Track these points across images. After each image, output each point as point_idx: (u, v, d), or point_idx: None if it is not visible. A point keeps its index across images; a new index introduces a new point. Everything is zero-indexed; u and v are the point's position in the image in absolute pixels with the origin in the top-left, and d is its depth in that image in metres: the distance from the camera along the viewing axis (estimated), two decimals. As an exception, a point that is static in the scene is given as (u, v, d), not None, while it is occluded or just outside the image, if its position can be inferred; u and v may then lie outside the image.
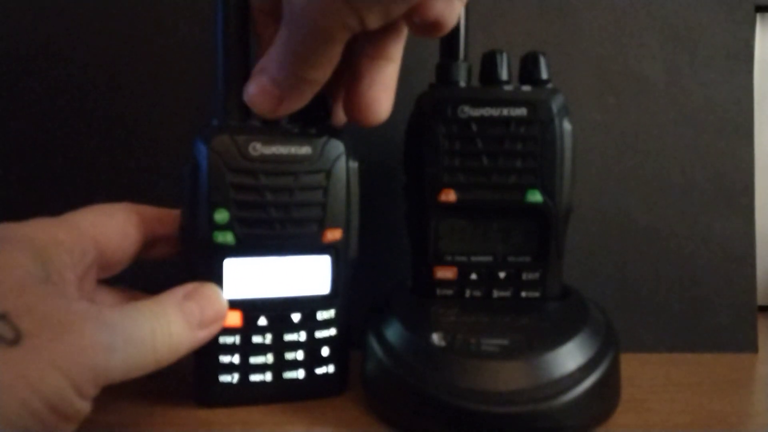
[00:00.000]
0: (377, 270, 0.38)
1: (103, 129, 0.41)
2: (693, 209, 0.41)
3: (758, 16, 0.44)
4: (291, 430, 0.30)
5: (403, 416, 0.29)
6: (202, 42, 0.40)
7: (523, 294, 0.35)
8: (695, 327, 0.41)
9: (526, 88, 0.33)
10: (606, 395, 0.30)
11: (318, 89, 0.27)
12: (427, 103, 0.34)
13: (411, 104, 0.34)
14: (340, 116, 0.32)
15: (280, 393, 0.32)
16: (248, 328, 0.31)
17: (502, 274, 0.35)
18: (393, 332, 0.31)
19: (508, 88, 0.33)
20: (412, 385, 0.29)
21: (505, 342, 0.29)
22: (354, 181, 0.31)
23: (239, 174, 0.29)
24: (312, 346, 0.32)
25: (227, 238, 0.29)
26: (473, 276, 0.35)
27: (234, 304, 0.30)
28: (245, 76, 0.29)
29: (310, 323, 0.32)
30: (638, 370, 0.36)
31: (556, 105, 0.33)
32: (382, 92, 0.30)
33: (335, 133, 0.31)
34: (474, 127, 0.33)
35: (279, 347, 0.31)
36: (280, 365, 0.31)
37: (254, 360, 0.31)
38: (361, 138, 0.32)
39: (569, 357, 0.29)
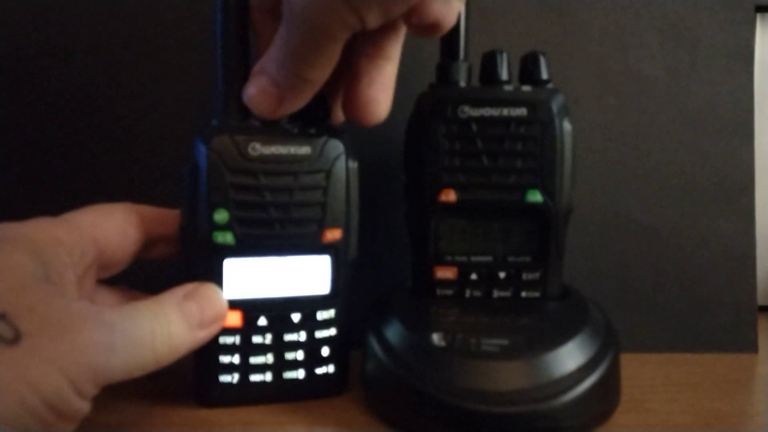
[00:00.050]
0: (377, 270, 0.38)
1: (103, 129, 0.41)
2: (693, 209, 0.41)
3: (758, 16, 0.44)
4: (291, 430, 0.30)
5: (403, 416, 0.29)
6: (202, 42, 0.40)
7: (523, 294, 0.35)
8: (695, 327, 0.41)
9: (526, 88, 0.33)
10: (606, 395, 0.30)
11: (317, 89, 0.27)
12: (427, 103, 0.34)
13: (411, 104, 0.34)
14: (338, 115, 0.32)
15: (280, 393, 0.32)
16: (248, 328, 0.31)
17: (502, 274, 0.35)
18: (393, 332, 0.31)
19: (508, 88, 0.33)
20: (412, 385, 0.29)
21: (505, 342, 0.29)
22: (354, 181, 0.31)
23: (239, 174, 0.29)
24: (312, 346, 0.32)
25: (227, 238, 0.29)
26: (473, 276, 0.35)
27: (234, 304, 0.30)
28: (245, 76, 0.29)
29: (310, 323, 0.32)
30: (638, 370, 0.36)
31: (556, 105, 0.33)
32: (381, 91, 0.30)
33: (335, 133, 0.31)
34: (474, 127, 0.33)
35: (279, 347, 0.31)
36: (280, 365, 0.31)
37: (254, 360, 0.31)
38: (361, 138, 0.32)
39: (569, 357, 0.29)
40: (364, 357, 0.32)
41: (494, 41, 0.40)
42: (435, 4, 0.25)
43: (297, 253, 0.31)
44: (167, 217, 0.32)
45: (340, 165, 0.31)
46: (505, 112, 0.33)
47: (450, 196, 0.34)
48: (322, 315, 0.32)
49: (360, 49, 0.30)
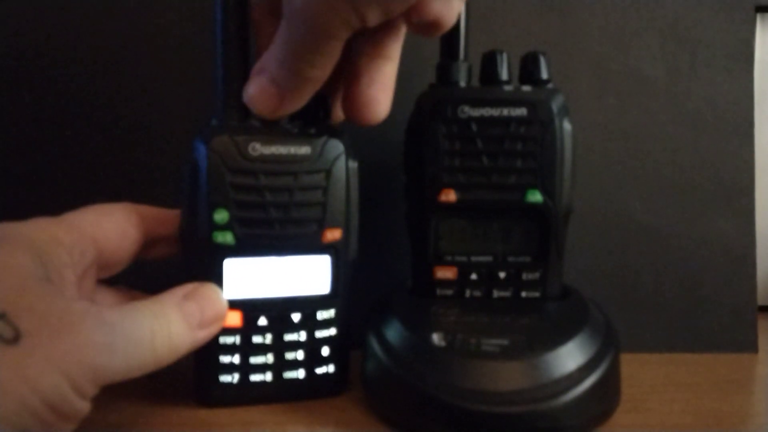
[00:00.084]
0: (377, 270, 0.38)
1: (103, 129, 0.41)
2: (693, 209, 0.41)
3: (758, 16, 0.44)
4: (291, 429, 0.30)
5: (403, 416, 0.29)
6: (202, 42, 0.40)
7: (523, 294, 0.35)
8: (695, 327, 0.41)
9: (526, 88, 0.33)
10: (606, 395, 0.30)
11: (318, 88, 0.27)
12: (427, 103, 0.34)
13: (411, 104, 0.34)
14: (338, 114, 0.32)
15: (280, 393, 0.32)
16: (248, 328, 0.31)
17: (502, 274, 0.35)
18: (393, 332, 0.31)
19: (508, 88, 0.33)
20: (412, 385, 0.29)
21: (505, 342, 0.29)
22: (354, 181, 0.31)
23: (239, 174, 0.29)
24: (312, 346, 0.32)
25: (227, 238, 0.29)
26: (473, 276, 0.35)
27: (234, 304, 0.30)
28: (245, 76, 0.29)
29: (310, 323, 0.32)
30: (638, 370, 0.36)
31: (556, 105, 0.33)
32: (380, 91, 0.30)
33: (335, 133, 0.31)
34: (474, 127, 0.33)
35: (279, 347, 0.31)
36: (280, 365, 0.31)
37: (254, 360, 0.31)
38: (361, 138, 0.32)
39: (569, 357, 0.29)
40: (364, 357, 0.32)
41: (494, 41, 0.39)
42: (435, 2, 0.25)
43: (297, 253, 0.31)
44: (167, 217, 0.32)
45: (340, 165, 0.31)
46: (505, 112, 0.33)
47: (450, 196, 0.34)
48: (322, 315, 0.32)
49: (360, 49, 0.30)
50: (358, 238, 0.32)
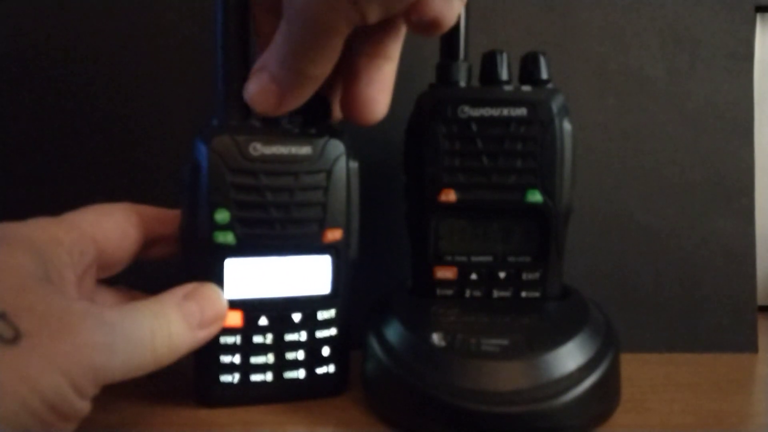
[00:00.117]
0: (377, 270, 0.38)
1: (103, 129, 0.41)
2: (693, 209, 0.41)
3: (758, 16, 0.44)
4: (291, 429, 0.30)
5: (403, 416, 0.29)
6: (202, 42, 0.40)
7: (523, 294, 0.35)
8: (695, 327, 0.41)
9: (526, 88, 0.33)
10: (606, 395, 0.30)
11: (318, 86, 0.27)
12: (427, 103, 0.34)
13: (411, 104, 0.34)
14: (336, 114, 0.32)
15: (280, 393, 0.32)
16: (249, 328, 0.31)
17: (502, 274, 0.35)
18: (393, 332, 0.31)
19: (508, 88, 0.33)
20: (412, 385, 0.29)
21: (505, 342, 0.29)
22: (354, 181, 0.31)
23: (239, 174, 0.29)
24: (312, 346, 0.32)
25: (228, 238, 0.29)
26: (473, 276, 0.35)
27: (234, 304, 0.30)
28: (245, 76, 0.29)
29: (310, 323, 0.32)
30: (638, 370, 0.36)
31: (556, 105, 0.33)
32: (379, 91, 0.30)
33: (335, 133, 0.31)
34: (474, 127, 0.33)
35: (279, 347, 0.31)
36: (280, 365, 0.31)
37: (255, 360, 0.31)
38: (361, 138, 0.32)
39: (569, 357, 0.29)
40: (364, 357, 0.32)
41: (494, 41, 0.40)
42: (435, 1, 0.25)
43: (298, 253, 0.31)
44: (167, 217, 0.32)
45: (341, 165, 0.31)
46: (505, 112, 0.33)
47: (450, 196, 0.34)
48: (322, 315, 0.32)
49: (360, 48, 0.30)
50: (359, 238, 0.32)
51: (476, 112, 0.33)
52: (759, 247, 0.41)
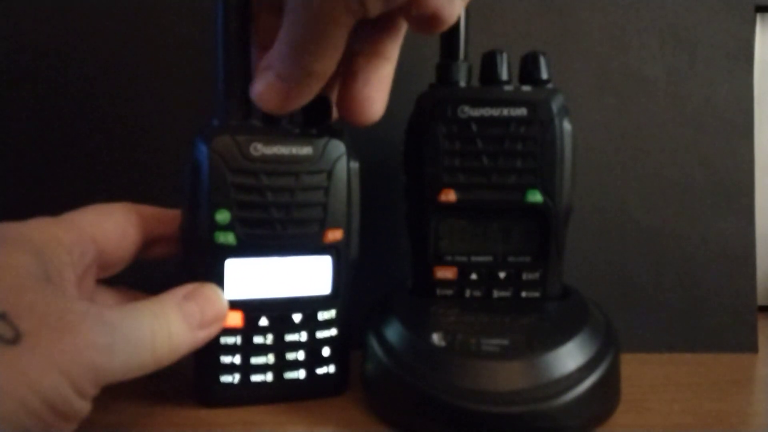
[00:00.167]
0: (377, 270, 0.38)
1: (103, 129, 0.41)
2: (693, 209, 0.41)
3: (758, 16, 0.44)
4: (292, 430, 0.30)
5: (403, 416, 0.29)
6: (202, 42, 0.40)
7: (523, 294, 0.35)
8: (695, 327, 0.41)
9: (526, 88, 0.33)
10: (606, 395, 0.30)
11: (323, 83, 0.27)
12: (427, 103, 0.34)
13: (411, 104, 0.34)
14: (335, 113, 0.32)
15: (281, 393, 0.32)
16: (249, 328, 0.31)
17: (502, 274, 0.35)
18: (393, 332, 0.31)
19: (508, 88, 0.33)
20: (412, 385, 0.29)
21: (505, 342, 0.29)
22: (355, 181, 0.31)
23: (240, 174, 0.29)
24: (313, 347, 0.32)
25: (228, 238, 0.29)
26: (473, 276, 0.35)
27: (235, 305, 0.30)
28: (245, 76, 0.29)
29: (311, 323, 0.32)
30: (638, 370, 0.36)
31: (556, 105, 0.33)
32: (376, 91, 0.30)
33: (336, 133, 0.31)
34: (474, 127, 0.33)
35: (280, 347, 0.31)
36: (281, 365, 0.31)
37: (255, 360, 0.31)
38: (362, 138, 0.32)
39: (569, 357, 0.29)
40: (364, 357, 0.32)
41: (494, 41, 0.39)
42: None
43: (298, 253, 0.31)
44: (167, 217, 0.32)
45: (342, 165, 0.31)
46: (505, 112, 0.33)
47: (450, 196, 0.34)
48: (323, 315, 0.32)
49: (358, 48, 0.30)
50: (359, 238, 0.32)
51: (476, 112, 0.33)
52: (759, 247, 0.41)
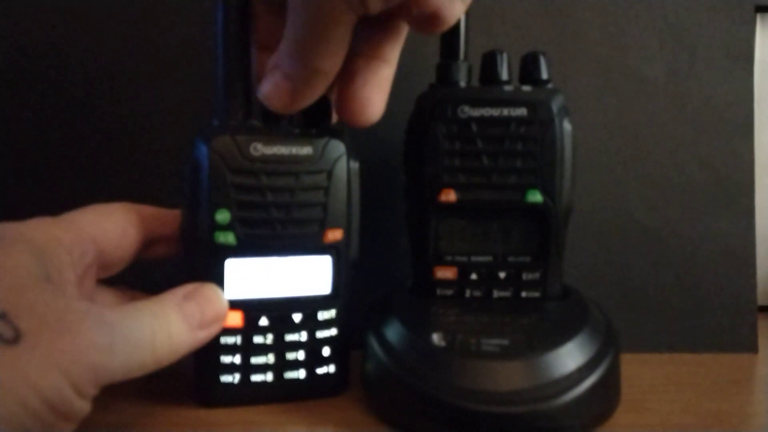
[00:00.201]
0: (377, 270, 0.38)
1: (103, 129, 0.41)
2: (693, 209, 0.41)
3: (758, 16, 0.44)
4: (292, 429, 0.30)
5: (403, 416, 0.29)
6: (202, 42, 0.40)
7: (523, 294, 0.35)
8: (695, 327, 0.41)
9: (526, 88, 0.33)
10: (606, 395, 0.30)
11: (329, 81, 0.27)
12: (427, 103, 0.34)
13: (411, 104, 0.34)
14: (332, 113, 0.32)
15: (281, 393, 0.32)
16: (249, 328, 0.31)
17: (502, 274, 0.35)
18: (393, 332, 0.31)
19: (508, 88, 0.33)
20: (412, 385, 0.29)
21: (505, 342, 0.29)
22: (355, 181, 0.31)
23: (240, 174, 0.29)
24: (313, 346, 0.32)
25: (228, 238, 0.29)
26: (473, 276, 0.35)
27: (235, 305, 0.30)
28: (245, 76, 0.29)
29: (311, 323, 0.32)
30: (638, 370, 0.36)
31: (556, 105, 0.33)
32: (374, 93, 0.30)
33: (336, 133, 0.31)
34: (474, 127, 0.33)
35: (280, 347, 0.31)
36: (281, 365, 0.31)
37: (255, 360, 0.31)
38: (362, 138, 0.32)
39: (569, 357, 0.29)
40: (364, 357, 0.32)
41: (494, 41, 0.40)
42: None
43: (298, 253, 0.31)
44: (167, 217, 0.32)
45: (342, 165, 0.31)
46: (505, 112, 0.33)
47: (450, 196, 0.34)
48: (323, 315, 0.32)
49: (358, 50, 0.29)
50: (359, 238, 0.32)
51: (476, 112, 0.33)
52: (759, 247, 0.41)
